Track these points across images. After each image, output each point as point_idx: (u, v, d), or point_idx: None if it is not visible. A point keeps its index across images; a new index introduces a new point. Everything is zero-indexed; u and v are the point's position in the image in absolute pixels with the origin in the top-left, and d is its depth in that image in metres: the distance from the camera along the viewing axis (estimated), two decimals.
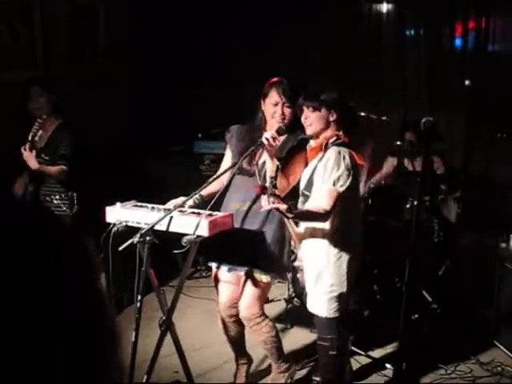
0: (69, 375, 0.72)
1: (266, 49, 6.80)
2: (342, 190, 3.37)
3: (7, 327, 0.67)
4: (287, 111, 3.68)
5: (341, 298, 3.58)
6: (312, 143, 3.62)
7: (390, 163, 5.82)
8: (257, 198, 3.71)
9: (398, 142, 5.56)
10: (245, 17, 6.80)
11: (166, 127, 6.30)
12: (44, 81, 4.91)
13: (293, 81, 3.86)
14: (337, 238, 3.52)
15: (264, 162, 3.70)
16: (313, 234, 3.55)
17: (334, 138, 3.46)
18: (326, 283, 3.54)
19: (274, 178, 3.17)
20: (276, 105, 3.69)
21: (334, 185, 3.35)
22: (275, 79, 3.77)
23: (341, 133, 3.51)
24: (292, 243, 3.80)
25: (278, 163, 3.33)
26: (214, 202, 3.48)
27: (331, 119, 3.51)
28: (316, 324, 3.77)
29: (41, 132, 4.47)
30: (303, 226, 3.56)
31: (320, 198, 3.35)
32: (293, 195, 3.71)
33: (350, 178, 3.40)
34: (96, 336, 0.77)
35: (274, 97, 3.69)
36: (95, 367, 0.76)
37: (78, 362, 0.73)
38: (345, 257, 3.54)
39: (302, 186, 3.61)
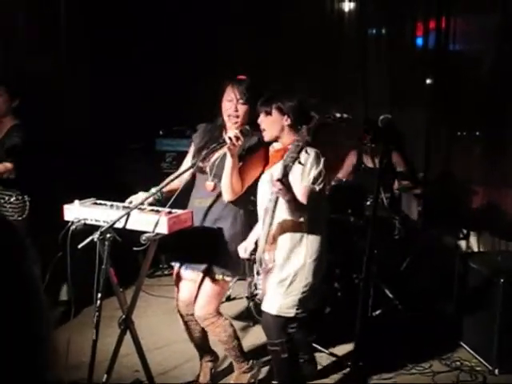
0: None
1: (228, 47, 6.78)
2: (318, 188, 3.37)
3: None
4: (242, 108, 3.64)
5: (310, 297, 3.54)
6: (276, 145, 3.59)
7: (350, 161, 5.86)
8: (209, 196, 3.71)
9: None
10: (204, 14, 6.79)
11: (128, 124, 6.23)
12: (9, 83, 4.83)
13: (255, 79, 3.80)
14: (313, 238, 3.49)
15: (215, 160, 3.67)
16: (291, 234, 3.47)
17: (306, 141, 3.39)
18: (300, 284, 3.47)
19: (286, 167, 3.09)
20: (230, 101, 3.66)
21: (312, 183, 3.35)
22: (237, 77, 3.74)
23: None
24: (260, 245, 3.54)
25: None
26: (174, 199, 3.42)
27: (285, 123, 3.48)
28: (268, 327, 3.61)
29: None
30: (278, 225, 3.46)
31: (298, 196, 3.28)
32: (247, 199, 3.70)
33: (325, 178, 3.42)
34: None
35: (229, 94, 3.66)
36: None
37: None
38: (319, 256, 3.51)
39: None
